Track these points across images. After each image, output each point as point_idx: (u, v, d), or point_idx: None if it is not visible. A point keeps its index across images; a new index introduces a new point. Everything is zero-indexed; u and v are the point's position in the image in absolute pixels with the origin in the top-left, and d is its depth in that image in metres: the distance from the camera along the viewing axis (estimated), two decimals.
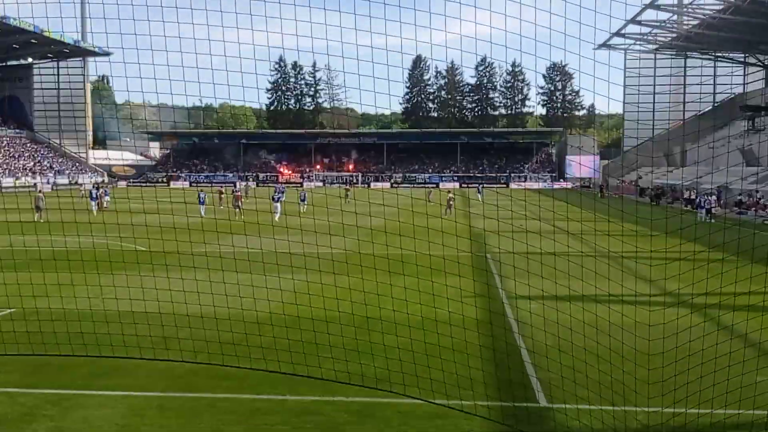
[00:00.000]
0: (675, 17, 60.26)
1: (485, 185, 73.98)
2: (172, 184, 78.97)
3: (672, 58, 78.25)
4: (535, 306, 13.63)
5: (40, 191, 41.34)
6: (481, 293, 14.63)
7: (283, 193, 38.95)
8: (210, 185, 73.20)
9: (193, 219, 25.23)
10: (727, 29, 56.29)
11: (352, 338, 11.47)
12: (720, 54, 73.14)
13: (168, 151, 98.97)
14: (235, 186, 58.22)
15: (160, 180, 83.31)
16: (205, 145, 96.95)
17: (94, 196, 40.14)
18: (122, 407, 8.54)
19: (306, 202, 36.43)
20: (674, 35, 64.07)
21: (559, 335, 9.66)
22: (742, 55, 71.98)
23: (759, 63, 70.67)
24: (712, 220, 33.87)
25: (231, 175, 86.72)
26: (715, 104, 76.80)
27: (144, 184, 75.47)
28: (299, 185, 68.50)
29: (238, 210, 34.24)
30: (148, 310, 13.51)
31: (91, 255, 22.66)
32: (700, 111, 76.18)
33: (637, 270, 16.21)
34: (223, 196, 42.12)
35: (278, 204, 32.42)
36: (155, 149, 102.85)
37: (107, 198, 42.49)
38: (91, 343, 11.19)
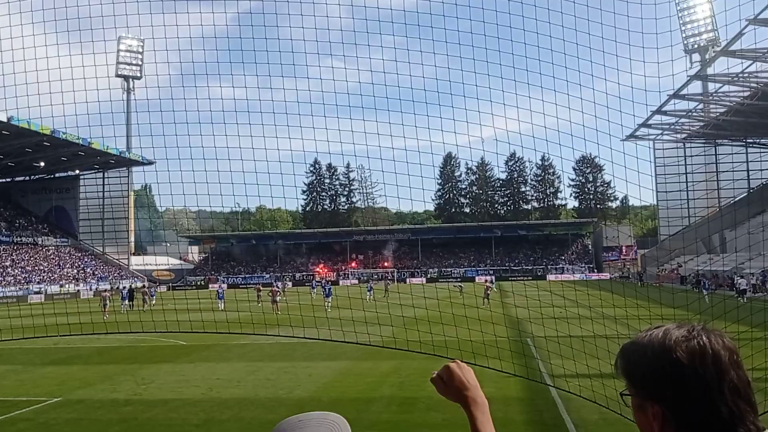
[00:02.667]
0: (701, 106, 61.17)
1: (514, 277, 73.33)
2: (210, 287, 79.93)
3: (703, 146, 78.73)
4: (578, 382, 13.40)
5: (104, 291, 44.12)
6: (526, 373, 14.46)
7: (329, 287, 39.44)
8: (246, 286, 74.12)
9: (232, 314, 25.58)
10: (756, 115, 56.76)
11: (394, 416, 11.40)
12: (751, 140, 73.40)
13: (206, 255, 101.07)
14: (272, 285, 58.86)
15: (198, 283, 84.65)
16: (242, 247, 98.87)
17: (124, 296, 42.46)
18: None
19: (330, 297, 35.91)
20: (702, 123, 64.79)
21: (607, 406, 9.49)
22: None
23: None
24: (745, 301, 33.43)
25: (267, 275, 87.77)
26: (751, 189, 76.25)
27: (183, 287, 76.63)
28: (332, 282, 68.72)
29: (275, 305, 34.70)
30: (190, 397, 13.67)
31: (135, 350, 23.08)
32: (735, 197, 75.66)
33: None
34: (260, 293, 42.80)
35: (329, 297, 34.81)
36: (194, 253, 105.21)
37: (153, 298, 44.07)
38: (135, 427, 11.30)
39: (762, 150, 75.91)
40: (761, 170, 77.00)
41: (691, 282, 49.94)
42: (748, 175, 78.47)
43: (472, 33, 10.38)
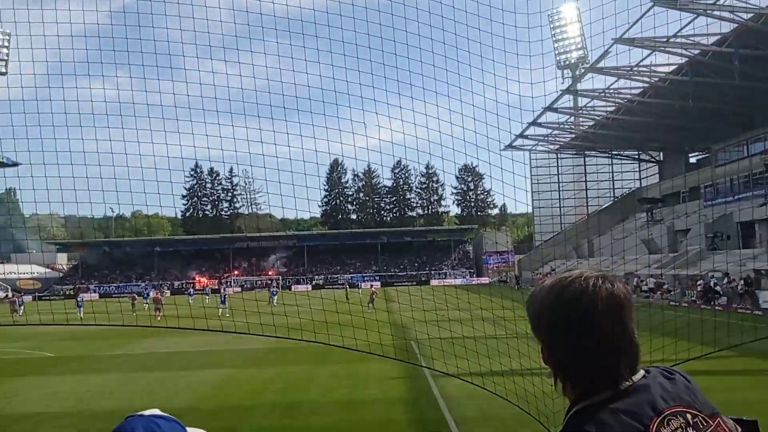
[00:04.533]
0: (572, 119, 65.07)
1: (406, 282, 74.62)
2: (83, 297, 75.59)
3: (573, 157, 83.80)
4: (459, 383, 13.75)
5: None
6: (408, 375, 14.66)
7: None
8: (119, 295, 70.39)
9: (105, 327, 24.31)
10: (620, 128, 61.11)
11: (277, 422, 11.20)
12: (616, 152, 79.00)
13: (76, 263, 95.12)
14: (149, 294, 56.34)
15: (67, 292, 79.48)
16: (117, 254, 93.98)
17: None
18: None
19: (226, 305, 35.56)
20: (573, 135, 68.91)
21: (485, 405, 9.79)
22: (636, 152, 78.01)
23: (652, 159, 76.60)
24: None
25: (144, 284, 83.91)
26: (615, 198, 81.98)
27: (50, 298, 71.65)
28: (214, 290, 66.80)
29: (158, 312, 33.23)
30: (58, 410, 12.78)
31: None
32: (601, 205, 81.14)
33: None
34: (135, 302, 40.97)
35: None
36: (62, 262, 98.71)
37: (21, 308, 40.80)
38: None
39: (624, 161, 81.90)
40: (623, 180, 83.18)
41: None
42: (613, 185, 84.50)
43: (357, 45, 10.43)
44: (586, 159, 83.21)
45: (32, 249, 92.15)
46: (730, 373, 14.71)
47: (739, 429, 1.41)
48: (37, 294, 77.84)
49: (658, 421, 1.30)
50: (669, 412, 1.33)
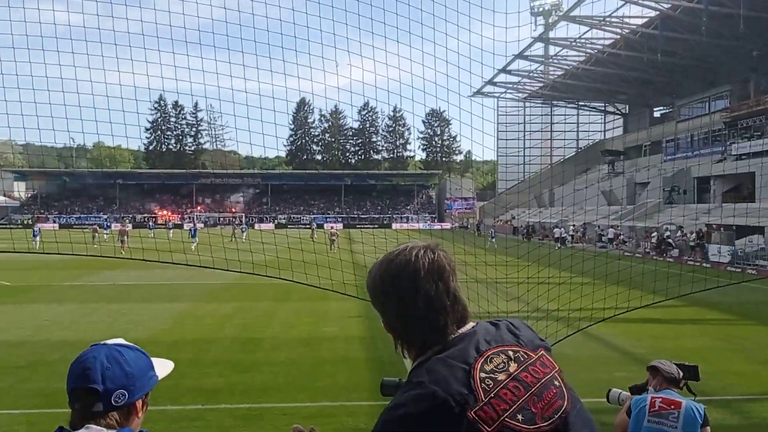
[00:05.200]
0: (542, 67, 65.02)
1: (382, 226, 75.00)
2: (40, 226, 74.43)
3: (541, 106, 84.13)
4: None
5: None
6: (366, 314, 14.94)
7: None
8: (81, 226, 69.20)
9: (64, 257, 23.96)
10: (589, 79, 61.45)
11: (236, 355, 11.39)
12: (583, 103, 79.55)
13: (35, 192, 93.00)
14: (109, 226, 55.71)
15: (26, 222, 77.95)
16: (77, 186, 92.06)
17: None
18: None
19: (197, 239, 35.56)
20: (542, 84, 69.03)
21: None
22: (603, 104, 78.67)
23: (617, 111, 77.38)
24: (562, 248, 37.44)
25: (105, 216, 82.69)
26: (579, 149, 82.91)
27: (8, 226, 70.27)
28: (176, 225, 66.31)
29: (123, 244, 32.86)
30: (15, 339, 12.76)
31: None
32: (565, 156, 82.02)
33: (511, 292, 17.21)
34: (96, 234, 40.51)
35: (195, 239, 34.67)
36: (21, 190, 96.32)
37: None
38: None
39: (591, 113, 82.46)
40: (588, 132, 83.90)
41: (522, 233, 53.79)
42: (578, 136, 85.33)
43: None
44: (553, 109, 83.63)
45: None
46: (679, 321, 15.36)
47: (555, 363, 1.56)
48: None
49: (482, 360, 1.45)
50: (491, 351, 1.48)
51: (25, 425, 8.02)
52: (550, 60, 61.00)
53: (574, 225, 47.22)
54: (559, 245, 40.08)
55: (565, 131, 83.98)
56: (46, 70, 9.92)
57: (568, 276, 13.55)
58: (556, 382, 1.50)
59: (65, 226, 73.16)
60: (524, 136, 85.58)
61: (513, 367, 1.46)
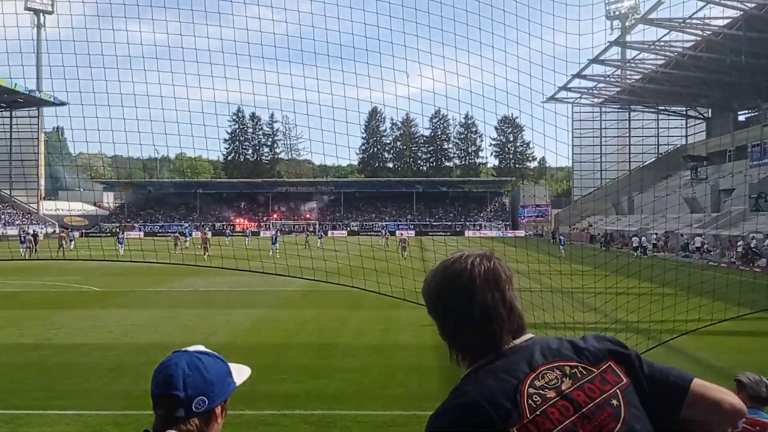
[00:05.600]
0: (619, 72, 63.27)
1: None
2: (126, 234, 77.84)
3: (618, 111, 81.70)
4: None
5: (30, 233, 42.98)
6: None
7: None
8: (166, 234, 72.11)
9: (148, 264, 25.00)
10: (669, 83, 59.31)
11: (310, 361, 11.63)
12: (663, 107, 76.79)
13: (122, 201, 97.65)
14: (190, 233, 57.86)
15: (114, 230, 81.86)
16: (161, 195, 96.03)
17: (23, 240, 40.13)
18: (78, 425, 8.45)
19: (277, 246, 37.65)
20: (618, 89, 67.13)
21: None
22: (684, 108, 75.74)
23: (700, 115, 74.32)
24: (642, 257, 36.30)
25: (186, 225, 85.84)
26: (659, 155, 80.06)
27: (98, 234, 73.97)
28: (254, 232, 68.11)
29: (206, 251, 34.19)
30: (103, 342, 13.44)
31: (46, 295, 22.33)
32: (644, 162, 79.27)
33: (589, 302, 16.82)
34: (178, 242, 42.10)
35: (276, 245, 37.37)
36: (110, 200, 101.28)
37: (72, 242, 43.19)
38: (44, 371, 11.03)
39: (672, 117, 79.54)
40: (669, 137, 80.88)
41: (600, 241, 52.41)
42: (658, 141, 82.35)
43: None
44: (631, 114, 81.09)
45: (80, 187, 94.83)
46: (766, 335, 14.65)
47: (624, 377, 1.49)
48: (84, 231, 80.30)
49: (533, 375, 1.42)
50: (545, 367, 1.44)
51: (112, 426, 8.45)
52: (627, 64, 59.26)
53: (656, 234, 45.63)
54: (638, 254, 38.89)
55: (643, 136, 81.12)
56: (134, 87, 10.51)
57: (648, 286, 13.15)
58: (615, 401, 1.43)
59: (150, 234, 76.45)
60: (601, 141, 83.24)
61: (566, 384, 1.42)
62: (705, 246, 40.12)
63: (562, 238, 45.89)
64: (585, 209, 73.09)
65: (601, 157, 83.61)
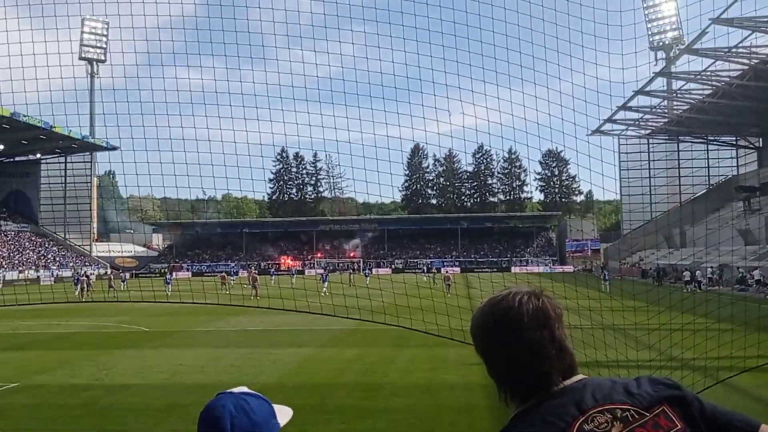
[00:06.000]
0: (665, 102, 62.32)
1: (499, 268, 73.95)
2: (174, 275, 79.27)
3: (666, 143, 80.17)
4: None
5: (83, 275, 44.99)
6: None
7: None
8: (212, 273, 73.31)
9: (197, 305, 25.34)
10: (717, 113, 58.06)
11: (358, 401, 11.48)
12: (712, 137, 75.08)
13: (171, 242, 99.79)
14: (236, 273, 58.69)
15: (162, 270, 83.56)
16: (207, 235, 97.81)
17: (77, 281, 41.09)
18: None
19: (327, 282, 38.84)
20: (666, 120, 66.02)
21: None
22: (734, 138, 73.90)
23: (750, 145, 72.38)
24: (696, 291, 35.11)
25: (233, 264, 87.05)
26: (710, 186, 78.06)
27: (147, 275, 75.59)
28: (299, 271, 68.66)
29: (255, 291, 34.55)
30: (152, 382, 13.56)
31: (96, 336, 22.77)
32: (695, 194, 77.28)
33: (642, 339, 16.29)
34: (224, 281, 42.76)
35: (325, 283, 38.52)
36: (159, 241, 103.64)
37: (124, 284, 45.29)
38: (96, 411, 11.17)
39: (721, 147, 77.65)
40: (719, 167, 78.81)
41: (652, 275, 51.04)
42: (708, 172, 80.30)
43: (442, 21, 10.48)
44: (680, 145, 79.44)
45: (130, 229, 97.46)
46: None
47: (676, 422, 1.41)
48: (134, 271, 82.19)
49: (582, 419, 1.36)
50: (595, 410, 1.38)
51: None
52: (674, 94, 58.38)
53: (711, 267, 44.19)
54: (689, 288, 37.67)
55: (693, 167, 79.26)
56: (183, 131, 10.80)
57: (704, 322, 12.68)
58: None
59: (197, 274, 77.71)
60: (650, 174, 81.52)
61: (617, 428, 1.36)
62: (763, 279, 38.68)
63: (606, 273, 44.82)
64: (635, 243, 71.40)
65: (650, 189, 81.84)
